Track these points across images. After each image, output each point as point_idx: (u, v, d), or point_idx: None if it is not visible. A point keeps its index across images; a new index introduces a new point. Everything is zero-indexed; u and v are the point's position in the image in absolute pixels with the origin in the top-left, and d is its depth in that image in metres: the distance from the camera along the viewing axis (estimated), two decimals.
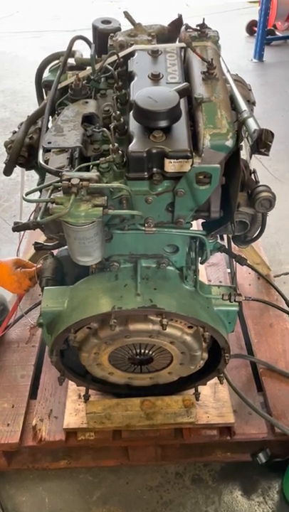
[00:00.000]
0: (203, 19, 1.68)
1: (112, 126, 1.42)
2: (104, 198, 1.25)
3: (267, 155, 1.28)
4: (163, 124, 1.31)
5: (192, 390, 1.84)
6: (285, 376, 2.00)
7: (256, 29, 5.75)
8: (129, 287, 1.49)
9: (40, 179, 2.01)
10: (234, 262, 2.05)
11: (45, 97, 2.02)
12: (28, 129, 1.77)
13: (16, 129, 1.86)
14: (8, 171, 1.78)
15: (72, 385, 1.93)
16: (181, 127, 1.34)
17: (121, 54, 1.67)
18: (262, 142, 1.26)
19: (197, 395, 1.80)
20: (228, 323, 1.61)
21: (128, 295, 1.47)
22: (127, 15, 1.86)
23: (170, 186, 1.32)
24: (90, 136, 1.46)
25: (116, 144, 1.34)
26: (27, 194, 1.31)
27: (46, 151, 1.44)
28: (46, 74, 1.95)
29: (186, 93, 1.40)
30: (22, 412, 1.90)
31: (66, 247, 1.97)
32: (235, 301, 1.54)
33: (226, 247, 1.72)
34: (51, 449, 1.92)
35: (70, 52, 1.74)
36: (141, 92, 1.35)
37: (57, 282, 1.81)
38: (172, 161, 1.28)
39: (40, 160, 1.35)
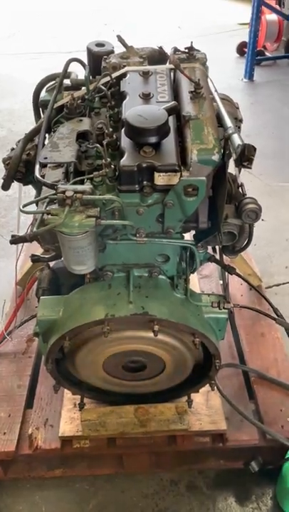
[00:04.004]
0: (191, 42, 1.78)
1: (104, 142, 1.51)
2: (97, 209, 1.32)
3: (250, 168, 1.35)
4: (152, 140, 1.38)
5: (185, 398, 1.88)
6: (276, 384, 2.05)
7: (246, 50, 5.94)
8: (122, 295, 1.55)
9: (37, 193, 2.09)
10: (226, 274, 2.13)
11: (42, 116, 2.12)
12: (25, 145, 1.85)
13: (14, 146, 1.94)
14: (6, 186, 1.85)
15: (67, 394, 1.97)
16: (169, 143, 1.42)
17: (114, 75, 1.76)
18: (245, 156, 1.33)
19: (190, 402, 1.85)
20: (218, 330, 1.67)
21: (121, 303, 1.53)
22: (120, 38, 1.96)
23: (160, 198, 1.39)
24: (84, 151, 1.54)
25: (108, 159, 1.41)
26: (24, 206, 1.38)
27: (43, 166, 1.51)
28: (43, 94, 2.04)
29: (175, 111, 1.48)
30: (18, 421, 1.94)
31: (62, 259, 2.06)
32: (224, 308, 1.60)
33: (217, 257, 1.79)
34: (47, 458, 1.94)
35: (65, 74, 1.82)
36: (132, 110, 1.43)
37: (53, 292, 1.87)
38: (161, 174, 1.36)
39: (37, 174, 1.42)
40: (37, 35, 6.94)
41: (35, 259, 2.06)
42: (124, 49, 1.94)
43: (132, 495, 1.90)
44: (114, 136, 1.52)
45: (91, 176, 1.43)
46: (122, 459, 1.93)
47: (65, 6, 8.01)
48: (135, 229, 1.45)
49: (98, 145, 1.45)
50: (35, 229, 1.33)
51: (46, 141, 1.67)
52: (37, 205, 1.78)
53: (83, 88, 1.89)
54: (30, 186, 1.96)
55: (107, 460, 1.96)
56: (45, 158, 1.46)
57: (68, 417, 1.91)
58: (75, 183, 1.40)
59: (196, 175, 1.35)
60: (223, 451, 1.92)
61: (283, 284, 2.58)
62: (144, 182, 1.38)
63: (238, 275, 2.09)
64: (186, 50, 1.76)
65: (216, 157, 1.36)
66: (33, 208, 1.52)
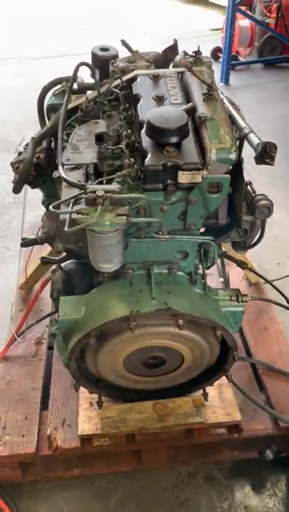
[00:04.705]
0: (198, 46, 1.85)
1: (123, 143, 1.55)
2: (127, 208, 1.36)
3: (272, 164, 1.42)
4: (174, 140, 1.43)
5: (199, 392, 1.93)
6: (283, 375, 2.12)
7: (221, 55, 6.09)
8: (144, 292, 1.59)
9: (45, 196, 2.11)
10: (227, 271, 2.20)
11: (47, 120, 2.14)
12: (35, 149, 1.87)
13: (21, 150, 1.96)
14: (17, 189, 1.87)
15: (83, 394, 1.99)
16: (189, 143, 1.47)
17: (124, 78, 1.80)
18: (266, 154, 1.40)
19: (205, 395, 1.90)
20: (234, 323, 1.73)
21: (144, 299, 1.57)
22: (124, 43, 2.01)
23: (183, 196, 1.44)
24: (102, 153, 1.58)
25: (132, 159, 1.46)
26: (53, 207, 1.41)
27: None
28: (48, 97, 2.07)
29: (192, 113, 1.54)
30: (35, 422, 1.95)
31: (71, 260, 2.08)
32: (242, 301, 1.66)
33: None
34: (65, 458, 1.96)
35: (75, 77, 1.86)
36: (153, 112, 1.48)
37: (67, 293, 1.89)
38: (185, 172, 1.41)
39: (64, 175, 1.44)
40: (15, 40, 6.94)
41: (45, 261, 2.09)
42: (126, 53, 2.00)
43: (151, 490, 1.94)
44: (132, 137, 1.56)
45: (113, 176, 1.47)
46: (141, 454, 1.96)
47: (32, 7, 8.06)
48: (158, 227, 1.49)
49: (122, 146, 1.49)
50: (66, 228, 1.36)
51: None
52: (46, 208, 1.84)
53: (91, 92, 1.94)
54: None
55: (125, 457, 1.99)
56: (68, 159, 1.49)
57: (86, 416, 1.93)
58: (99, 184, 1.44)
59: (215, 173, 1.41)
60: (238, 441, 1.98)
61: (281, 278, 2.66)
62: (168, 181, 1.43)
63: (251, 270, 2.14)
64: (194, 54, 1.83)
65: (233, 156, 1.42)
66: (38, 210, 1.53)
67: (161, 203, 1.45)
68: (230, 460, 2.04)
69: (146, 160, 1.41)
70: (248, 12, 6.50)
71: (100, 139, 1.62)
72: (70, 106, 1.84)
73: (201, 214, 1.49)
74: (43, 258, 2.07)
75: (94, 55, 2.03)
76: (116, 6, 9.24)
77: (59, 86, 2.02)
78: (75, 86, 1.99)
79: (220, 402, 1.98)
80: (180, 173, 1.41)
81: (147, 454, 1.95)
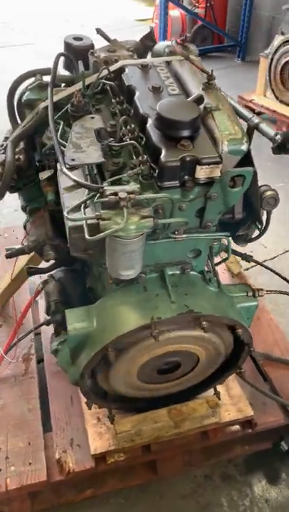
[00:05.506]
0: (186, 34, 1.76)
1: (127, 138, 1.44)
2: (150, 209, 1.26)
3: None
4: (189, 132, 1.35)
5: (208, 392, 1.88)
6: (283, 363, 2.13)
7: None
8: (162, 296, 1.50)
9: (25, 201, 1.94)
10: (214, 263, 2.15)
11: (18, 117, 1.96)
12: (14, 150, 1.70)
13: None
14: (1, 195, 1.69)
15: (87, 410, 1.86)
16: (202, 135, 1.39)
17: (111, 69, 1.68)
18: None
19: (218, 394, 1.85)
20: (246, 318, 1.69)
21: (163, 304, 1.47)
22: (100, 32, 1.88)
23: (201, 192, 1.36)
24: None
25: (145, 156, 1.35)
26: (68, 213, 1.28)
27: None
28: (19, 92, 1.89)
29: (200, 103, 1.45)
30: (41, 447, 1.79)
31: (59, 269, 1.93)
32: (259, 295, 1.62)
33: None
34: (75, 481, 1.82)
35: (56, 70, 1.70)
36: (162, 104, 1.38)
37: (66, 304, 1.76)
38: (204, 167, 1.32)
39: (73, 177, 1.30)
40: None
41: (32, 271, 1.92)
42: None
43: (170, 499, 1.86)
44: (135, 132, 1.46)
45: (124, 174, 1.36)
46: (155, 465, 1.87)
47: None
48: (175, 226, 1.40)
49: (134, 142, 1.38)
50: (87, 237, 1.23)
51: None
52: (29, 214, 1.70)
53: (63, 85, 1.81)
54: None
55: (139, 469, 1.89)
56: (73, 160, 1.35)
57: (95, 433, 1.81)
58: (114, 184, 1.33)
59: (227, 166, 1.35)
60: (250, 436, 1.96)
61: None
62: (186, 177, 1.34)
63: (257, 262, 2.08)
64: (182, 43, 1.74)
65: (244, 146, 1.36)
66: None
67: (179, 200, 1.36)
68: (242, 455, 2.00)
69: (162, 156, 1.31)
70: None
71: (97, 135, 1.50)
72: (45, 103, 1.70)
73: (219, 210, 1.42)
74: (29, 268, 1.91)
75: (68, 45, 1.88)
76: None
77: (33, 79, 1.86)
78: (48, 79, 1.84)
79: (230, 399, 1.94)
80: (198, 167, 1.32)
81: (163, 463, 1.87)
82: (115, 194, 1.22)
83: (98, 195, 1.29)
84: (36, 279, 2.42)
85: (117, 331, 1.45)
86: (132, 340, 1.50)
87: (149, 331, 1.43)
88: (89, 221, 1.27)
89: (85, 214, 1.32)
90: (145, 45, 1.93)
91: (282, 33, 4.29)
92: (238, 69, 6.38)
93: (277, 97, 4.55)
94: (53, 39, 6.87)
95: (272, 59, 4.39)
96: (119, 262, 1.32)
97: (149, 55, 1.95)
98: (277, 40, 4.33)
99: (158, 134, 1.37)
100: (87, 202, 1.35)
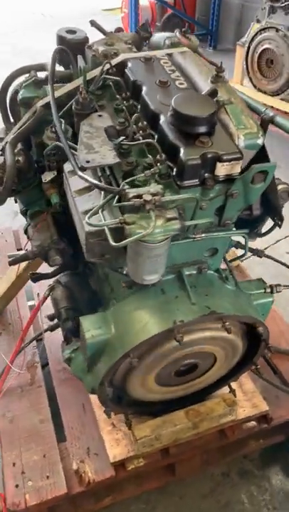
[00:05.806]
0: (187, 25, 1.71)
1: (138, 136, 1.38)
2: (175, 210, 1.22)
3: None
4: (208, 128, 1.30)
5: (221, 390, 1.86)
6: None
7: None
8: (181, 298, 1.45)
9: (23, 205, 1.85)
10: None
11: (11, 115, 1.87)
12: (13, 151, 1.62)
13: None
14: (3, 200, 1.60)
15: (100, 416, 1.81)
16: (219, 131, 1.34)
17: (113, 63, 1.61)
18: None
19: (233, 391, 1.83)
20: (262, 314, 1.66)
21: (184, 306, 1.43)
22: (94, 24, 1.81)
23: (222, 190, 1.32)
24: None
25: (164, 155, 1.30)
26: (89, 218, 1.21)
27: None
28: (12, 89, 1.80)
29: (214, 96, 1.40)
30: (57, 459, 1.73)
31: (64, 273, 1.86)
32: (277, 291, 1.60)
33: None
34: (94, 490, 1.77)
35: (55, 66, 1.62)
36: (176, 99, 1.32)
37: (76, 310, 1.69)
38: (225, 164, 1.28)
39: (94, 181, 1.24)
40: None
41: (36, 277, 1.85)
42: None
43: (190, 499, 1.84)
44: (147, 130, 1.40)
45: (141, 175, 1.30)
46: (173, 467, 1.84)
47: None
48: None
49: (152, 140, 1.32)
50: (112, 243, 1.17)
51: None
52: (30, 218, 1.65)
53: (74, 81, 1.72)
54: None
55: (157, 472, 1.85)
56: (88, 161, 1.28)
57: (112, 440, 1.76)
58: (133, 186, 1.27)
59: (244, 161, 1.31)
60: (265, 430, 1.95)
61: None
62: (206, 174, 1.29)
63: (268, 257, 2.05)
64: (183, 34, 1.68)
65: (260, 140, 1.32)
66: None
67: (200, 199, 1.31)
68: (257, 450, 2.00)
69: (181, 154, 1.26)
70: None
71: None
72: (46, 99, 1.62)
73: (240, 207, 1.38)
74: (33, 274, 1.83)
75: (61, 39, 1.80)
76: None
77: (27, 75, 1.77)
78: (43, 75, 1.76)
79: (243, 395, 1.92)
80: (219, 164, 1.28)
81: (182, 465, 1.84)
82: (138, 196, 1.17)
83: (117, 197, 1.24)
84: (31, 283, 2.33)
85: (138, 337, 1.40)
86: (152, 345, 1.46)
87: (172, 335, 1.39)
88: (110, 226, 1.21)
89: (104, 218, 1.25)
90: (141, 37, 1.86)
91: (258, 21, 4.27)
92: (211, 58, 6.30)
93: (255, 86, 4.54)
94: (26, 32, 6.68)
95: (248, 47, 4.38)
96: (144, 266, 1.27)
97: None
98: (254, 28, 4.31)
99: (174, 130, 1.32)
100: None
